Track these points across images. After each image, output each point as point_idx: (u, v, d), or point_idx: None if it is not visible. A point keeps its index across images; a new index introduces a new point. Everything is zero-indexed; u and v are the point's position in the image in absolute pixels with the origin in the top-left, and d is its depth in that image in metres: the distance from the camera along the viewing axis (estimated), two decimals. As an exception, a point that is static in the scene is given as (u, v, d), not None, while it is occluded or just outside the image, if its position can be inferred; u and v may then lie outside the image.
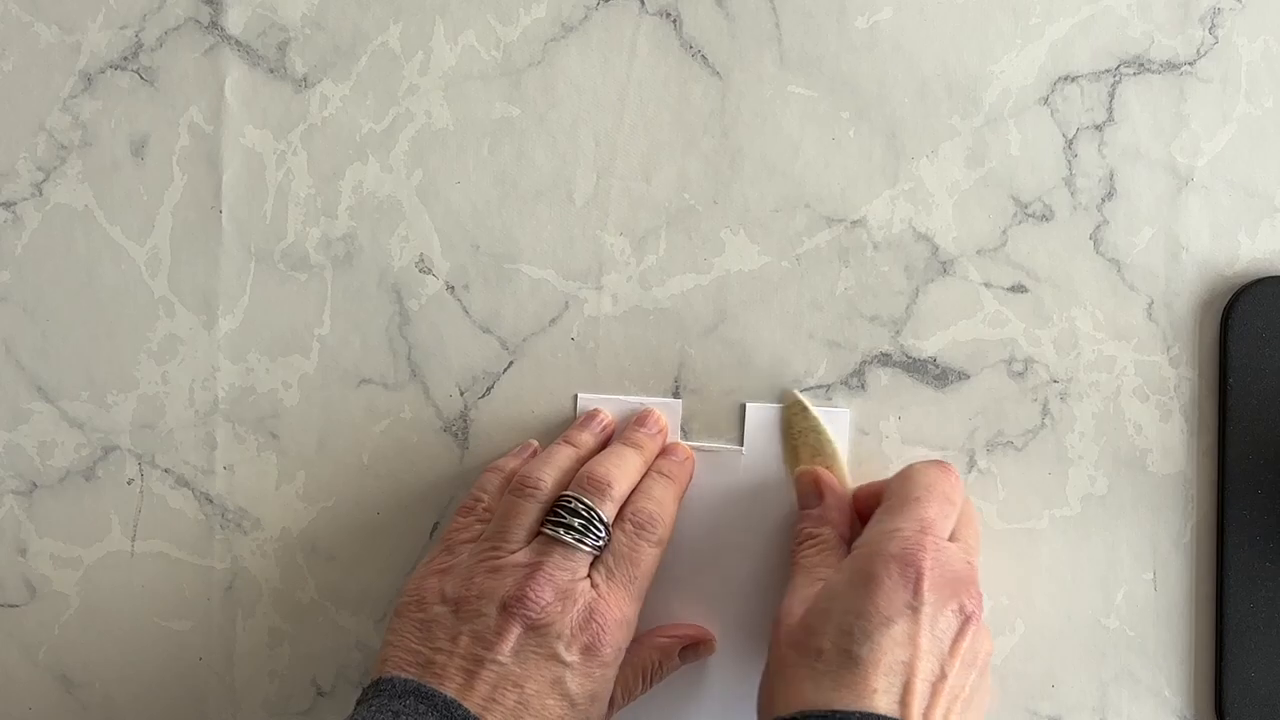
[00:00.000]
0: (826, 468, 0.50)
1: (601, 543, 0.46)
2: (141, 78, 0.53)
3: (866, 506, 0.49)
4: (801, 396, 0.50)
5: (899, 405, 0.52)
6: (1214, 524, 0.51)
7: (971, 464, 0.51)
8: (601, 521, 0.46)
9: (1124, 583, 0.51)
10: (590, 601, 0.45)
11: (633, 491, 0.48)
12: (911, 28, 0.52)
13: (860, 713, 0.40)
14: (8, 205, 0.54)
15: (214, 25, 0.53)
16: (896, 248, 0.52)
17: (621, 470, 0.48)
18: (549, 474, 0.48)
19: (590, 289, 0.53)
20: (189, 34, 0.53)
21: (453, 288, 0.53)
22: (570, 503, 0.46)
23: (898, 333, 0.52)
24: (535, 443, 0.51)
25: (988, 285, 0.52)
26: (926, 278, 0.52)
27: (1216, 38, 0.51)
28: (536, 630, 0.44)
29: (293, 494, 0.53)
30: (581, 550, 0.45)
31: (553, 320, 0.53)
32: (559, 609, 0.44)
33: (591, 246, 0.53)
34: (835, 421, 0.51)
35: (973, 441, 0.52)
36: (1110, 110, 0.52)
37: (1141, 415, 0.51)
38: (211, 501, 0.53)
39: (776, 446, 0.51)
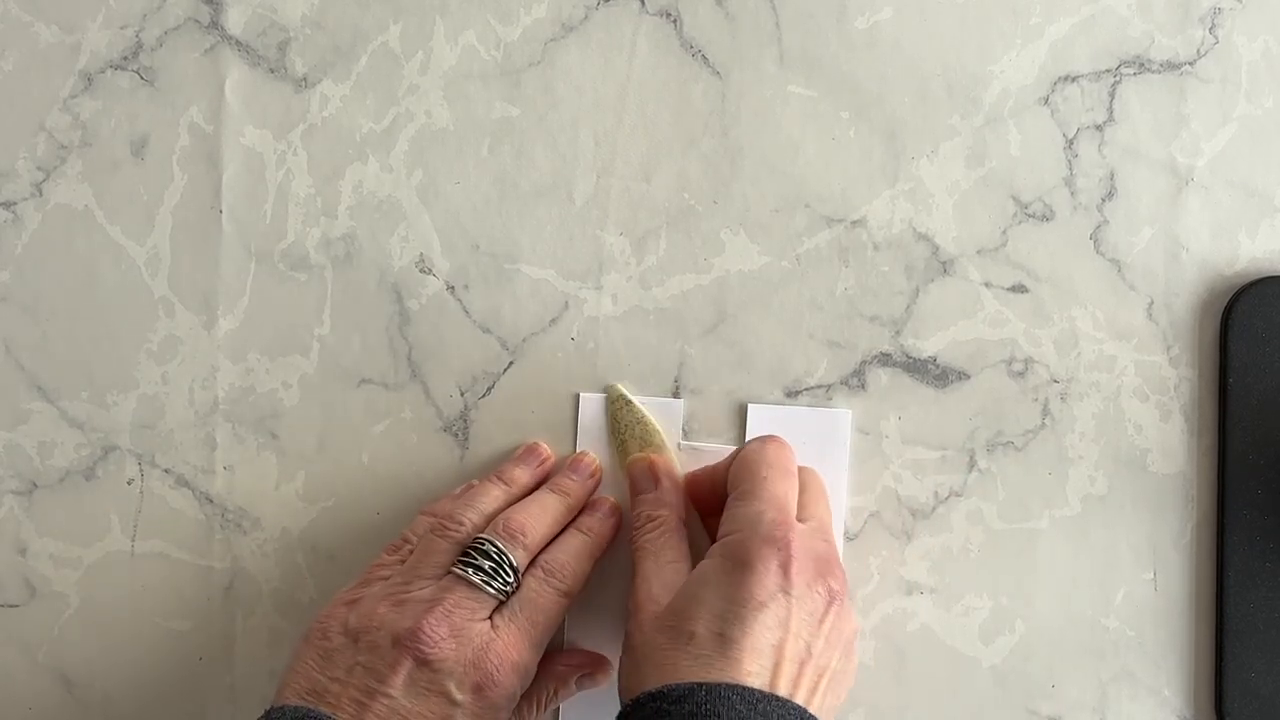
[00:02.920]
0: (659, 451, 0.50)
1: (509, 588, 0.46)
2: (141, 78, 0.53)
3: (701, 491, 0.50)
4: (623, 389, 0.50)
5: (899, 405, 0.52)
6: (1214, 524, 0.51)
7: (971, 464, 0.51)
8: (512, 567, 0.46)
9: (1124, 583, 0.51)
10: (487, 642, 0.44)
11: (551, 541, 0.48)
12: (911, 28, 0.52)
13: (728, 684, 0.41)
14: (8, 205, 0.54)
15: (214, 25, 0.53)
16: (896, 248, 0.52)
17: (540, 519, 0.48)
18: (471, 516, 0.48)
19: (590, 289, 0.53)
20: (189, 34, 0.53)
21: (453, 288, 0.53)
22: (484, 545, 0.46)
23: (898, 333, 0.52)
24: (474, 482, 0.51)
25: (988, 285, 0.52)
26: (926, 278, 0.52)
27: (1216, 38, 0.51)
28: (428, 665, 0.44)
29: (293, 494, 0.53)
30: (486, 592, 0.45)
31: (553, 320, 0.53)
32: (452, 646, 0.44)
33: (591, 246, 0.53)
34: (837, 422, 0.51)
35: (973, 441, 0.52)
36: (1110, 110, 0.51)
37: (1141, 415, 0.51)
38: (211, 501, 0.53)
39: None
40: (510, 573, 0.46)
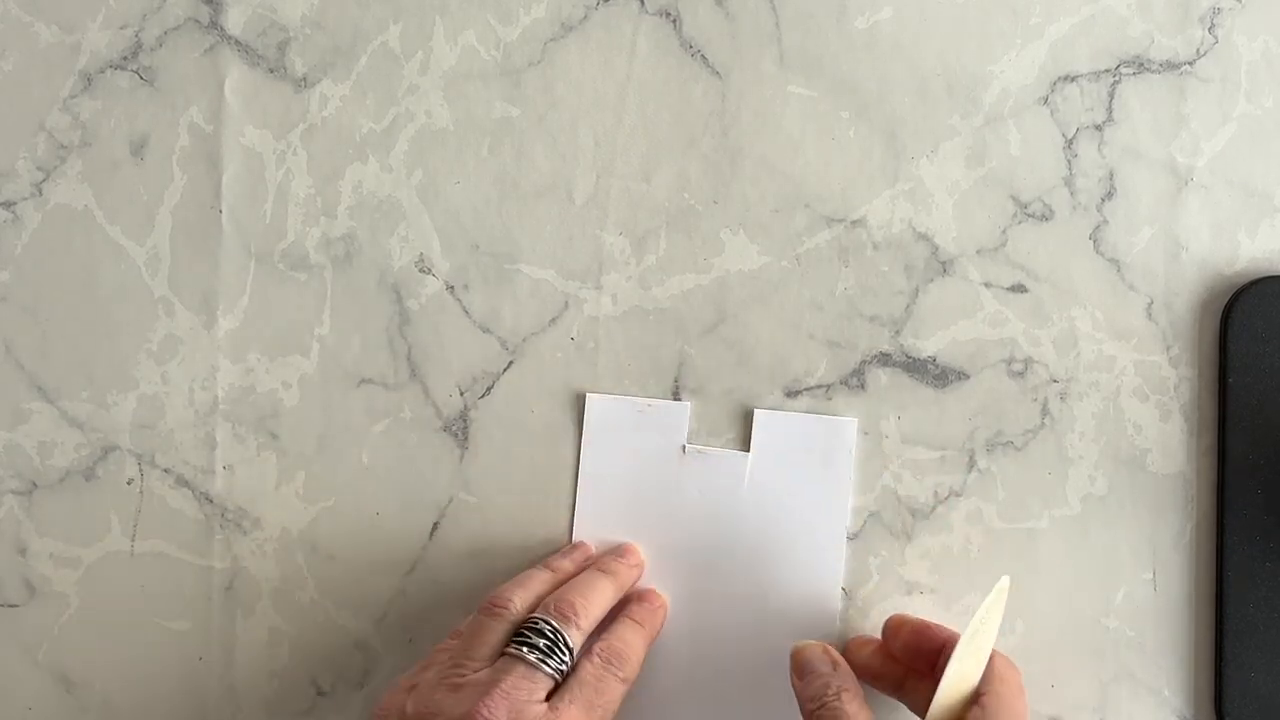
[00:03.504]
0: (979, 664, 0.47)
1: (565, 667, 0.46)
2: (141, 78, 0.53)
3: (876, 665, 0.49)
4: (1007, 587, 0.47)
5: (899, 405, 0.52)
6: (1214, 524, 0.51)
7: (971, 464, 0.51)
8: (567, 646, 0.46)
9: (1124, 583, 0.51)
10: None
11: (602, 626, 0.48)
12: (911, 28, 0.52)
13: None
14: (8, 205, 0.54)
15: (214, 25, 0.53)
16: (896, 248, 0.52)
17: (592, 599, 0.48)
18: (520, 596, 0.48)
19: (590, 289, 0.53)
20: (189, 34, 0.53)
21: (453, 288, 0.53)
22: (537, 624, 0.46)
23: (898, 333, 0.52)
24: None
25: (988, 285, 0.52)
26: (926, 277, 0.52)
27: (1216, 37, 0.51)
28: None
29: (293, 494, 0.53)
30: (543, 671, 0.45)
31: (553, 320, 0.53)
32: None
33: (591, 246, 0.53)
34: (843, 430, 0.51)
35: (972, 441, 0.52)
36: (1110, 110, 0.52)
37: (1141, 415, 0.51)
38: (211, 501, 0.53)
39: (782, 452, 0.51)
40: (566, 651, 0.46)
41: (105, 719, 0.53)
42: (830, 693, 0.45)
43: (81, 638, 0.53)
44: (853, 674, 0.47)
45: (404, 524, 0.53)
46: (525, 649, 0.45)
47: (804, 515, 0.51)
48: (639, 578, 0.51)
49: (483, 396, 0.53)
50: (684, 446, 0.52)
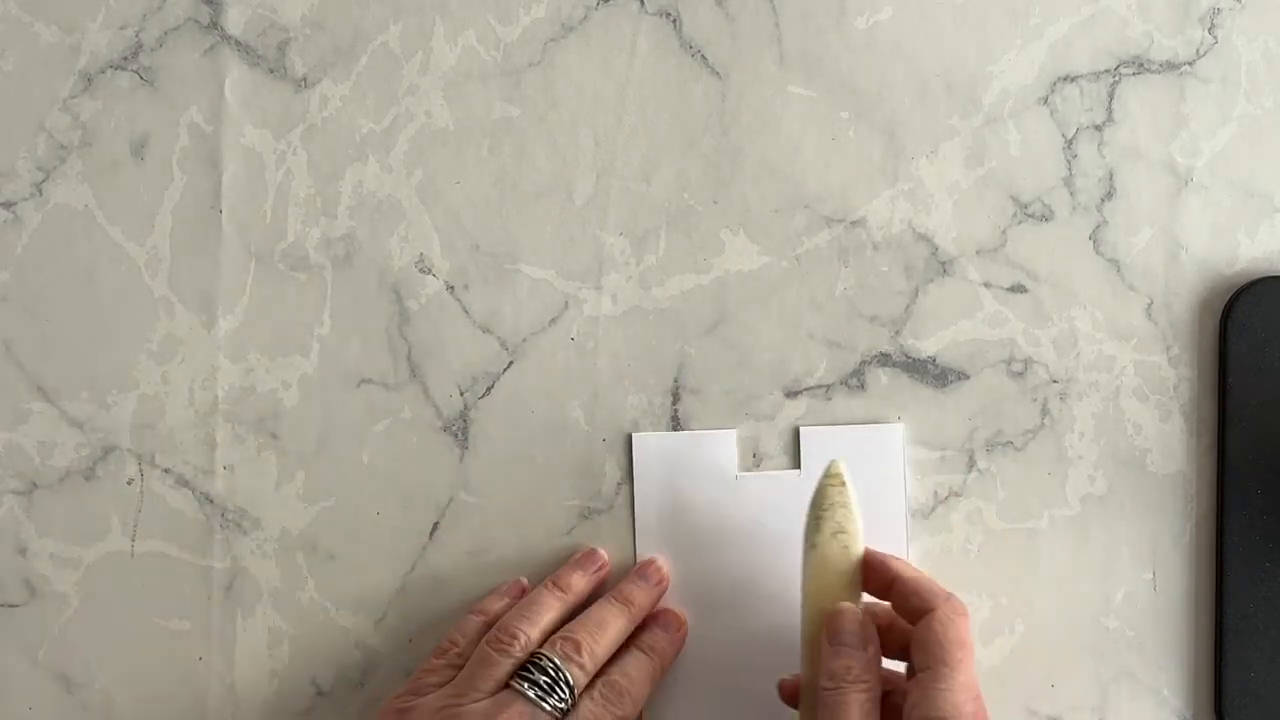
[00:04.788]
0: (845, 546, 0.47)
1: (564, 706, 0.46)
2: (141, 78, 0.53)
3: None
4: (843, 469, 0.48)
5: (899, 405, 0.52)
6: (1214, 524, 0.51)
7: (971, 464, 0.51)
8: (568, 685, 0.46)
9: (1124, 583, 0.51)
10: None
11: (613, 657, 0.48)
12: (911, 28, 0.52)
13: None
14: (8, 205, 0.54)
15: (214, 25, 0.53)
16: (896, 248, 0.52)
17: (600, 637, 0.48)
18: (526, 629, 0.48)
19: (590, 289, 0.53)
20: (189, 34, 0.53)
21: (453, 288, 0.53)
22: (541, 660, 0.46)
23: (897, 333, 0.52)
24: (524, 580, 0.51)
25: (987, 285, 0.52)
26: (926, 278, 0.52)
27: (1216, 38, 0.51)
28: None
29: (293, 494, 0.53)
30: (542, 708, 0.45)
31: (553, 320, 0.53)
32: None
33: (591, 246, 0.53)
34: (891, 436, 0.51)
35: (972, 441, 0.52)
36: (1110, 110, 0.52)
37: (1141, 415, 0.51)
38: (211, 501, 0.53)
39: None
40: (566, 690, 0.46)
41: (105, 719, 0.53)
42: (849, 679, 0.44)
43: (81, 638, 0.53)
44: (879, 662, 0.46)
45: (404, 524, 0.53)
46: (526, 684, 0.45)
47: (862, 525, 0.50)
48: (660, 597, 0.51)
49: (483, 396, 0.53)
50: (736, 476, 0.51)
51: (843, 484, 0.47)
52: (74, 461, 0.53)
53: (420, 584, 0.52)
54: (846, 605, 0.46)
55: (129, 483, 0.53)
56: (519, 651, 0.47)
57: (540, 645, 0.47)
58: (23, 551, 0.53)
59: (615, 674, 0.48)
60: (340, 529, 0.53)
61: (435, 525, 0.53)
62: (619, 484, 0.52)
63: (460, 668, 0.48)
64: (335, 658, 0.53)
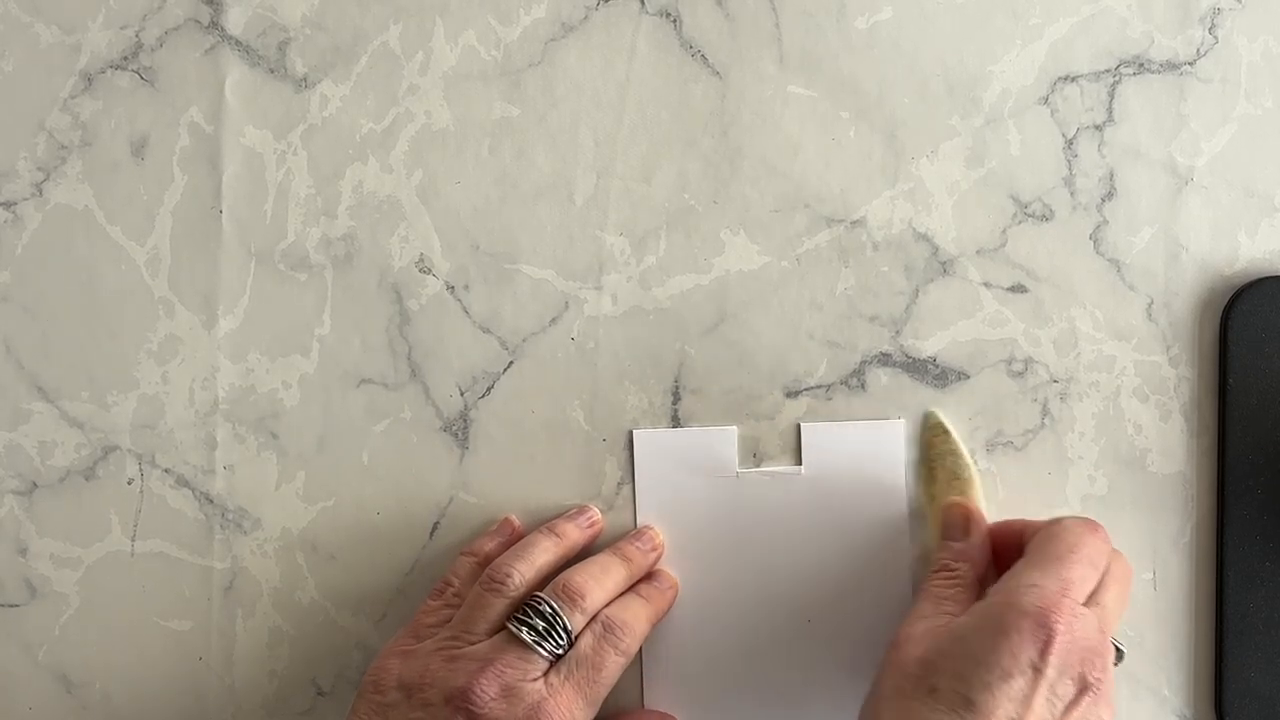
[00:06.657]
0: (962, 493, 0.49)
1: (561, 650, 0.46)
2: (141, 78, 0.53)
3: (1000, 544, 0.48)
4: (942, 418, 0.49)
5: (899, 405, 0.52)
6: (1214, 524, 0.51)
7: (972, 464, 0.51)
8: (565, 630, 0.46)
9: (1124, 583, 0.51)
10: (538, 701, 0.44)
11: (610, 602, 0.48)
12: (911, 28, 0.52)
13: None
14: (8, 205, 0.54)
15: (214, 25, 0.53)
16: (896, 248, 0.52)
17: (600, 582, 0.48)
18: (521, 568, 0.48)
19: (590, 289, 0.53)
20: (189, 34, 0.53)
21: (453, 288, 0.53)
22: (539, 604, 0.46)
23: (898, 333, 0.52)
24: (516, 520, 0.52)
25: (987, 285, 0.52)
26: (926, 278, 0.52)
27: (1216, 38, 0.51)
28: None
29: (293, 494, 0.53)
30: (538, 652, 0.45)
31: (553, 320, 0.53)
32: (503, 706, 0.44)
33: (591, 246, 0.53)
34: (892, 433, 0.51)
35: (973, 441, 0.52)
36: (1110, 110, 0.52)
37: (1141, 415, 0.51)
38: (211, 501, 0.53)
39: (834, 466, 0.51)
40: (563, 635, 0.46)
41: (105, 719, 0.53)
42: (952, 569, 0.47)
43: (81, 638, 0.53)
44: (985, 546, 0.48)
45: (404, 524, 0.53)
46: (524, 629, 0.45)
47: (864, 523, 0.51)
48: (655, 563, 0.51)
49: (483, 396, 0.53)
50: (737, 474, 0.51)
51: (945, 431, 0.48)
52: (74, 461, 0.53)
53: (420, 584, 0.52)
54: (955, 499, 0.48)
55: (129, 483, 0.53)
56: (512, 591, 0.47)
57: (535, 588, 0.47)
58: (23, 551, 0.53)
59: (616, 609, 0.48)
60: (340, 529, 0.53)
61: (435, 525, 0.53)
62: (619, 484, 0.52)
63: (458, 608, 0.48)
64: (335, 658, 0.53)
